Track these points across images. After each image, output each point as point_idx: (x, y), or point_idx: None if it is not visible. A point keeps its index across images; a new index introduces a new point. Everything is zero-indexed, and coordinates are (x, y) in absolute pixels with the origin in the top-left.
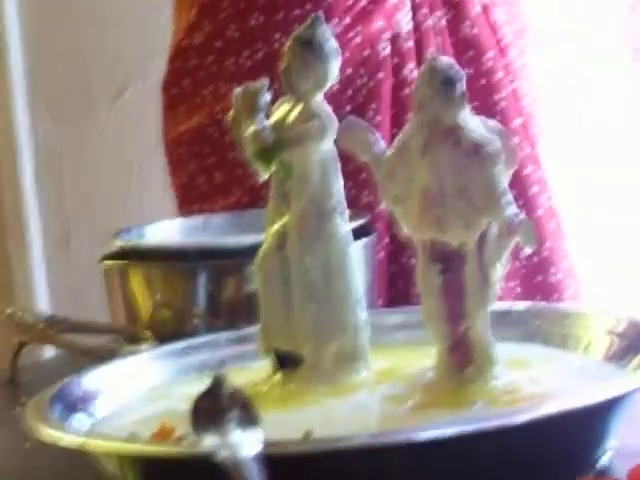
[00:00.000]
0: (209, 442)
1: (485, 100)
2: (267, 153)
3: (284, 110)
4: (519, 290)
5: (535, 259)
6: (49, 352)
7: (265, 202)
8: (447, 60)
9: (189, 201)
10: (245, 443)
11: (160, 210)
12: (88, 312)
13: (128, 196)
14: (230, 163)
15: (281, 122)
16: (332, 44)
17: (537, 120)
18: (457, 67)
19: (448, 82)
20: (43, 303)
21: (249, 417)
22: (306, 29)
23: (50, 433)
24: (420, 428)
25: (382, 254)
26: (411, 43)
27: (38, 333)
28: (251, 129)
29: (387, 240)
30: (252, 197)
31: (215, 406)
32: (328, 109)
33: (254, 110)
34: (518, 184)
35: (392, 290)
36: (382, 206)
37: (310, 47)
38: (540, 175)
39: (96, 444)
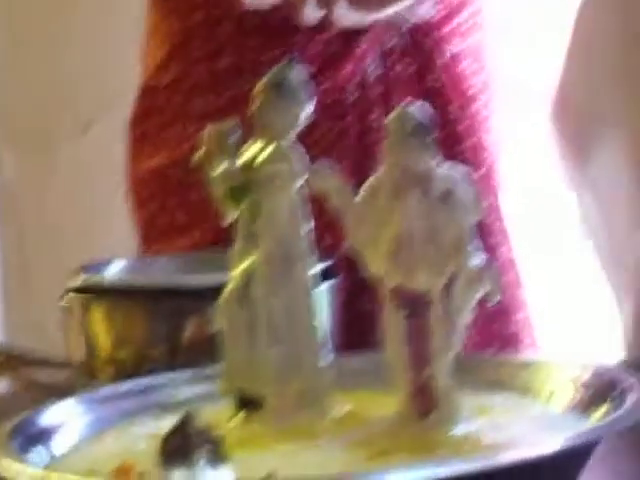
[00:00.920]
0: (178, 479)
1: (448, 150)
2: (236, 193)
3: (254, 150)
4: (476, 338)
5: (492, 309)
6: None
7: (226, 244)
8: (418, 108)
9: (150, 239)
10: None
11: (123, 247)
12: (46, 346)
13: (91, 232)
14: (192, 204)
15: (251, 162)
16: (305, 87)
17: (499, 171)
18: (429, 114)
19: (418, 130)
20: (1, 337)
21: (218, 455)
22: (279, 71)
23: (10, 465)
24: (383, 471)
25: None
26: (378, 91)
27: None
28: (221, 168)
29: (346, 284)
30: (213, 238)
31: (184, 443)
32: (299, 151)
33: (224, 149)
34: (479, 234)
35: (348, 335)
36: (342, 251)
37: (282, 90)
38: (501, 226)
39: (59, 478)
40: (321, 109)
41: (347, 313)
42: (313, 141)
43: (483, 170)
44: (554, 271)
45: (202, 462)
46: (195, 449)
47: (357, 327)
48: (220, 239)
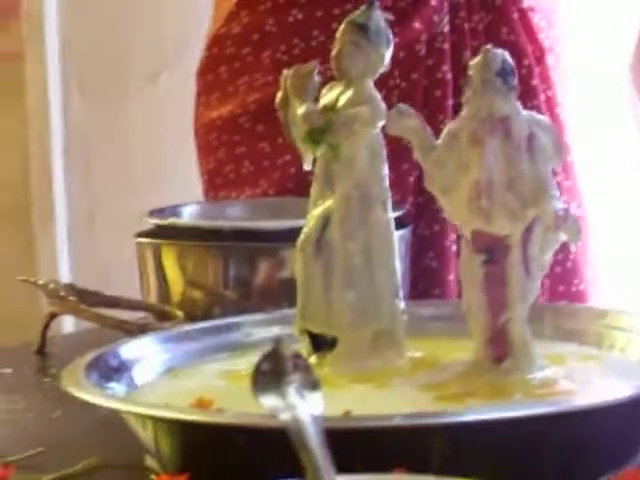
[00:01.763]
0: (270, 403)
1: (523, 105)
2: (316, 135)
3: (334, 94)
4: (541, 300)
5: (558, 269)
6: (69, 326)
7: (292, 195)
8: (501, 52)
9: (215, 187)
10: (307, 406)
11: (188, 195)
12: (111, 291)
13: (156, 180)
14: (259, 154)
15: (331, 105)
16: (385, 30)
17: (570, 129)
18: (510, 59)
19: (502, 73)
20: (66, 280)
21: (310, 381)
22: (360, 14)
23: (98, 397)
24: (463, 412)
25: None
26: (447, 45)
27: (70, 305)
28: (301, 110)
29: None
30: (278, 189)
31: (277, 369)
32: (378, 95)
33: (304, 92)
34: None
35: (413, 292)
36: (406, 206)
37: (363, 31)
38: (570, 184)
39: (149, 410)
40: (390, 64)
41: (411, 271)
42: (382, 96)
43: (556, 126)
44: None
45: (294, 387)
46: (288, 374)
47: (420, 285)
48: (286, 190)
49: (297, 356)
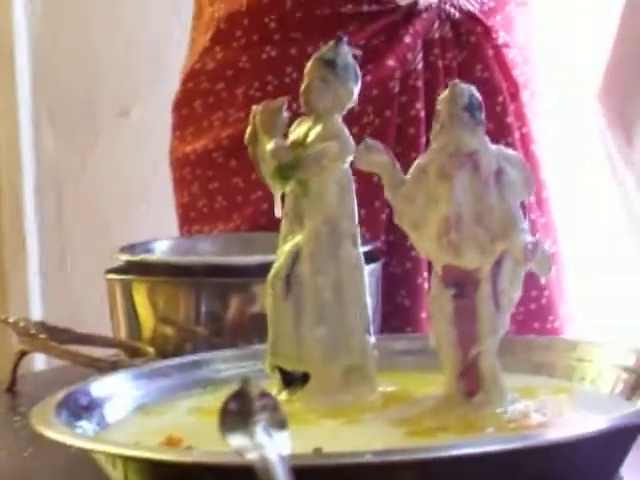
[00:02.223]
0: (238, 443)
1: (497, 143)
2: (285, 171)
3: (303, 129)
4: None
5: (533, 306)
6: (41, 363)
7: (265, 230)
8: (468, 86)
9: (189, 221)
10: (274, 445)
11: (159, 231)
12: (84, 328)
13: (128, 214)
14: (232, 189)
15: (300, 141)
16: (354, 66)
17: (544, 166)
18: (477, 94)
19: (470, 107)
20: (37, 317)
21: (277, 420)
22: (328, 49)
23: (68, 436)
24: (434, 448)
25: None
26: (421, 83)
27: (41, 343)
28: (269, 146)
29: (382, 280)
30: (251, 225)
31: (244, 408)
32: (346, 130)
33: (273, 128)
34: None
35: (386, 330)
36: (378, 243)
37: (331, 67)
38: (545, 221)
39: (118, 449)
40: (364, 101)
41: (383, 309)
42: (355, 133)
43: (531, 163)
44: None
45: (261, 426)
46: (255, 413)
47: (394, 322)
48: (259, 226)
49: (264, 395)
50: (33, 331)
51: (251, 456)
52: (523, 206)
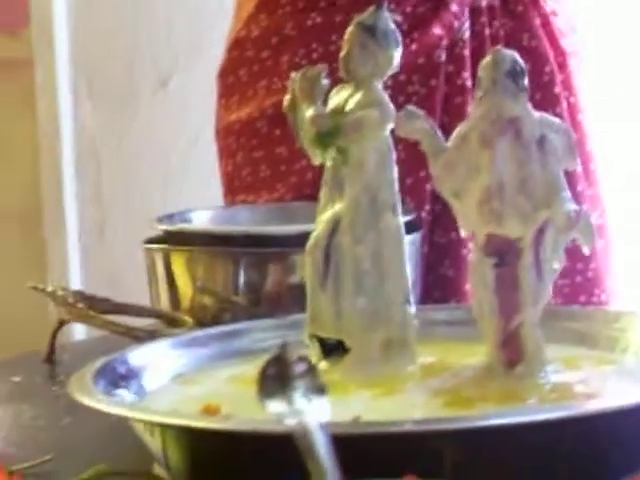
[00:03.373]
0: (276, 409)
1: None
2: (324, 139)
3: (343, 97)
4: None
5: (579, 279)
6: (80, 333)
7: (309, 200)
8: (511, 52)
9: (234, 190)
10: (312, 411)
11: (199, 201)
12: (121, 299)
13: (166, 186)
14: (276, 158)
15: (339, 108)
16: (394, 32)
17: (592, 137)
18: (520, 60)
19: (512, 73)
20: (77, 286)
21: (316, 386)
22: (369, 15)
23: (106, 405)
24: (474, 418)
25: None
26: (467, 52)
27: (79, 312)
28: (309, 114)
29: (426, 249)
30: (296, 194)
31: (283, 373)
32: (387, 98)
33: (312, 95)
34: None
35: (428, 301)
36: (423, 213)
37: (372, 33)
38: (592, 193)
39: (156, 417)
40: (410, 70)
41: (427, 279)
42: (400, 102)
43: (579, 134)
44: None
45: (300, 392)
46: (294, 379)
47: (436, 294)
48: (304, 195)
49: (303, 361)
50: (71, 300)
51: (289, 422)
52: (568, 176)
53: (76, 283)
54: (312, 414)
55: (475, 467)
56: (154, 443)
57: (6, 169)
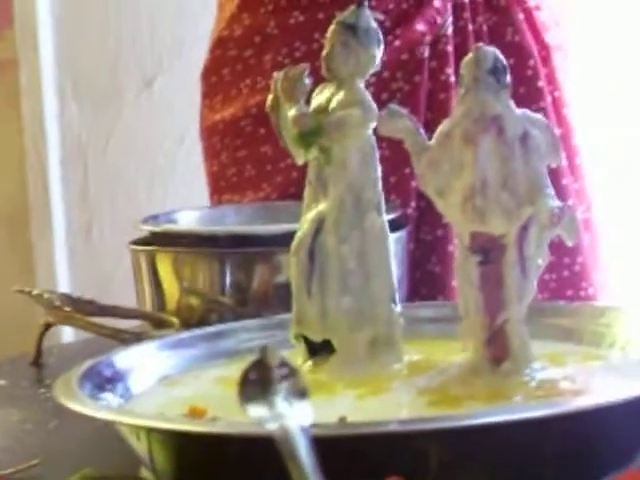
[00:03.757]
0: (258, 413)
1: (528, 108)
2: (307, 138)
3: (325, 96)
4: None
5: (566, 273)
6: (68, 336)
7: (294, 199)
8: (492, 49)
9: (219, 190)
10: (294, 415)
11: (186, 201)
12: (109, 300)
13: (152, 186)
14: (261, 158)
15: (322, 107)
16: (375, 30)
17: (577, 131)
18: (502, 57)
19: (494, 70)
20: (65, 290)
21: (298, 389)
22: (350, 14)
23: (91, 408)
24: (461, 417)
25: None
26: (451, 47)
27: (65, 315)
28: (291, 113)
29: (412, 246)
30: (281, 193)
31: (264, 377)
32: (369, 97)
33: (294, 95)
34: (555, 194)
35: (416, 298)
36: (408, 210)
37: (354, 31)
38: (578, 187)
39: (140, 420)
40: (393, 66)
41: (414, 276)
42: (384, 99)
43: (564, 128)
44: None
45: (282, 395)
46: (275, 383)
47: (424, 290)
48: (289, 194)
49: (284, 364)
50: (58, 303)
51: (271, 426)
52: (553, 170)
53: (64, 285)
54: (294, 418)
55: (461, 467)
56: (140, 446)
57: None
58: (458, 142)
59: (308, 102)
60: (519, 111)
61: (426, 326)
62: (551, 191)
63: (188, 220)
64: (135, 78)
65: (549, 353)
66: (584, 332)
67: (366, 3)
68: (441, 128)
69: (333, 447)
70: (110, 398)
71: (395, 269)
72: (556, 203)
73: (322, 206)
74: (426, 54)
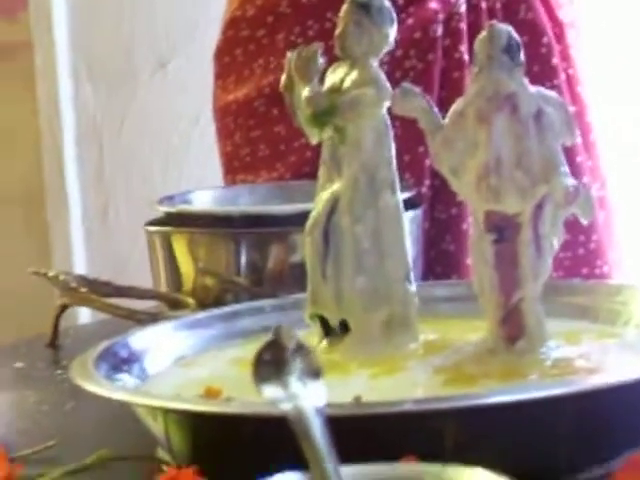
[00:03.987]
0: (272, 394)
1: (542, 85)
2: (321, 118)
3: (339, 75)
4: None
5: (581, 251)
6: (85, 317)
7: (309, 178)
8: (506, 27)
9: (233, 171)
10: (308, 395)
11: (201, 181)
12: (125, 281)
13: (167, 167)
14: (275, 138)
15: (336, 87)
16: (389, 9)
17: (591, 108)
18: (516, 35)
19: (508, 49)
20: (81, 271)
21: (312, 369)
22: None
23: (107, 389)
24: (475, 396)
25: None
26: (464, 25)
27: (81, 296)
28: (305, 93)
29: (427, 225)
30: (295, 173)
31: (278, 357)
32: (383, 76)
33: (308, 74)
34: (569, 172)
35: (430, 276)
36: (422, 189)
37: (367, 10)
38: (592, 164)
39: (155, 401)
40: (407, 45)
41: (428, 255)
42: (398, 77)
43: (575, 107)
44: None
45: (296, 375)
46: (289, 363)
47: (439, 269)
48: (303, 174)
49: (299, 344)
50: (73, 284)
51: (285, 406)
52: (567, 149)
53: (80, 266)
54: (308, 398)
55: (476, 446)
56: (157, 427)
57: (8, 153)
58: (472, 121)
59: (322, 81)
60: (533, 89)
61: (441, 305)
62: (566, 169)
63: (203, 200)
64: (149, 60)
65: (564, 331)
66: (599, 310)
67: None
68: (455, 107)
69: (347, 427)
70: (126, 379)
71: (410, 248)
72: (571, 181)
73: (336, 186)
74: (439, 32)
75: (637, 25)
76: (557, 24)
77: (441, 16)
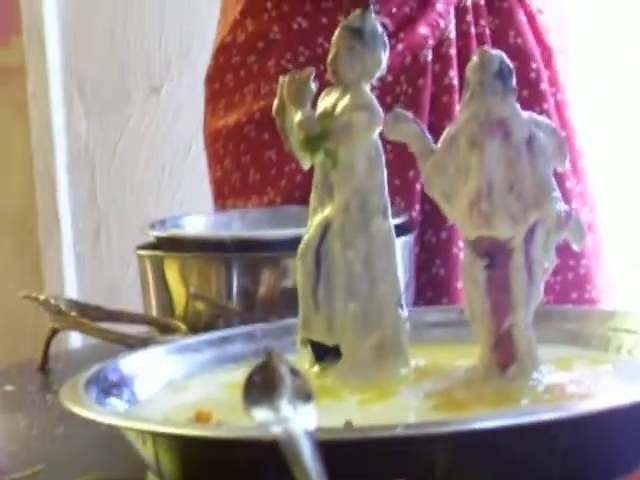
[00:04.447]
0: (262, 417)
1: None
2: (313, 142)
3: (331, 100)
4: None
5: (570, 275)
6: (76, 341)
7: (299, 203)
8: (498, 53)
9: (223, 196)
10: (299, 418)
11: (193, 207)
12: (117, 305)
13: (160, 192)
14: (265, 163)
15: (328, 112)
16: (381, 34)
17: (580, 133)
18: (508, 60)
19: (500, 74)
20: (73, 295)
21: (303, 392)
22: (356, 18)
23: (97, 414)
24: (467, 421)
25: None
26: (454, 51)
27: (72, 320)
28: (297, 118)
29: (417, 249)
30: (285, 198)
31: (269, 380)
32: (375, 100)
33: (301, 99)
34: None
35: (420, 300)
36: (413, 213)
37: (359, 35)
38: (581, 189)
39: (145, 425)
40: (397, 70)
41: (419, 280)
42: (388, 102)
43: (566, 131)
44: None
45: (286, 399)
46: (280, 386)
47: (429, 294)
48: (293, 199)
49: (289, 367)
50: (64, 308)
51: (275, 430)
52: (557, 174)
53: (72, 291)
54: (298, 421)
55: (467, 471)
56: (147, 451)
57: (0, 177)
58: (464, 146)
59: (314, 106)
60: (525, 114)
61: (433, 330)
62: (558, 195)
63: (195, 225)
64: (142, 84)
65: (556, 357)
66: (591, 336)
67: (372, 7)
68: (447, 132)
69: (338, 451)
70: (116, 403)
71: (402, 274)
72: (563, 207)
73: (328, 211)
74: (429, 57)
75: (625, 48)
76: (546, 49)
77: (431, 42)
